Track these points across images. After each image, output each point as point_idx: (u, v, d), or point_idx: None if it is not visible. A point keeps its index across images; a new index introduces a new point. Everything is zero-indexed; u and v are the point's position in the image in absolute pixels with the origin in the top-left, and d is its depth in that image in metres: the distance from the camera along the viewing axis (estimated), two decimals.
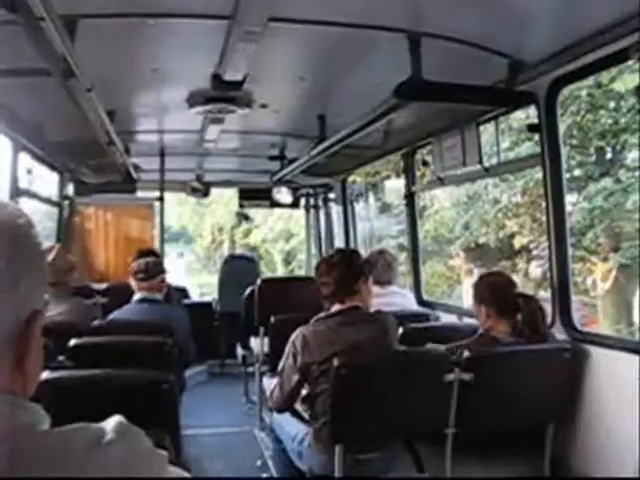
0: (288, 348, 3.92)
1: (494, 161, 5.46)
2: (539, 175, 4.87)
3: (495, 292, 4.13)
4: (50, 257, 4.91)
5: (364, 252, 6.43)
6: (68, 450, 1.04)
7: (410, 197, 6.91)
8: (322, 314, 4.04)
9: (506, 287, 4.18)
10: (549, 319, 4.29)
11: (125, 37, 3.95)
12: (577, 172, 14.91)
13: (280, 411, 4.23)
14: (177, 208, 33.09)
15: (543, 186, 4.34)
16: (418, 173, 7.27)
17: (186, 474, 1.28)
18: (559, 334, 4.18)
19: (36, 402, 1.10)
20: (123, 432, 1.11)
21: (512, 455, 3.87)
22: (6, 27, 3.11)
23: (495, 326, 4.07)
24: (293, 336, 3.91)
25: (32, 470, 0.99)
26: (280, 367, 4.01)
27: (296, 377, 3.87)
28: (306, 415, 4.11)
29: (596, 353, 3.89)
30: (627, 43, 3.31)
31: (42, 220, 8.94)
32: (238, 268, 9.85)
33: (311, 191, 10.29)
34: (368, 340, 3.86)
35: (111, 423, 1.12)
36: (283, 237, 28.20)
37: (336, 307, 4.01)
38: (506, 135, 13.79)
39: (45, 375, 3.12)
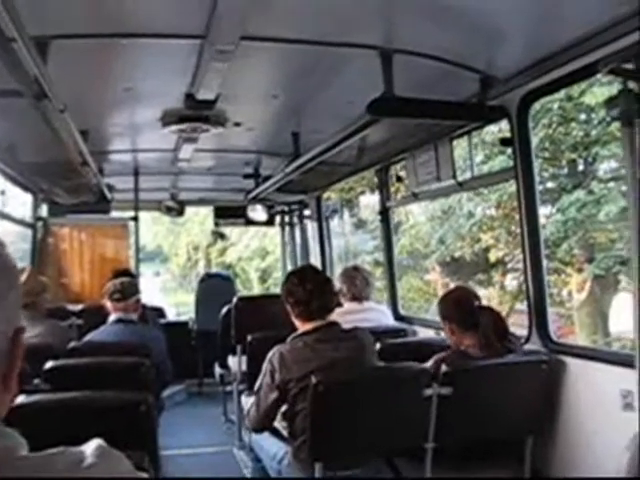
0: (265, 366, 3.90)
1: (468, 175, 5.49)
2: (513, 188, 4.90)
3: (456, 307, 4.14)
4: (22, 279, 4.87)
5: (340, 268, 6.44)
6: (47, 475, 1.03)
7: (385, 213, 6.93)
8: (299, 331, 4.02)
9: (467, 301, 4.17)
10: (525, 331, 4.31)
11: (97, 57, 3.94)
12: (550, 184, 15.05)
13: (257, 431, 4.20)
14: (152, 227, 32.98)
15: (517, 199, 4.37)
16: (392, 188, 7.30)
17: None
18: (535, 345, 4.20)
19: (11, 426, 1.09)
20: (103, 455, 1.10)
21: (492, 468, 3.87)
22: None
23: (460, 341, 4.07)
24: (270, 354, 3.88)
25: None
26: (257, 386, 3.98)
27: (273, 395, 3.84)
28: (285, 433, 4.09)
29: (573, 364, 3.91)
30: (596, 57, 3.34)
31: (15, 241, 8.87)
32: (214, 287, 9.82)
33: (286, 208, 10.28)
34: (346, 357, 3.85)
35: (91, 446, 1.12)
36: (259, 255, 28.17)
37: (311, 324, 3.99)
38: (479, 149, 13.87)
39: (21, 399, 3.09)
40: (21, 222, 7.59)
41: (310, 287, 4.00)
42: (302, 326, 4.01)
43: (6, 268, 1.14)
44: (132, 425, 3.14)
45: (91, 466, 1.07)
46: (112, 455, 1.13)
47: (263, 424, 4.04)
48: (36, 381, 3.90)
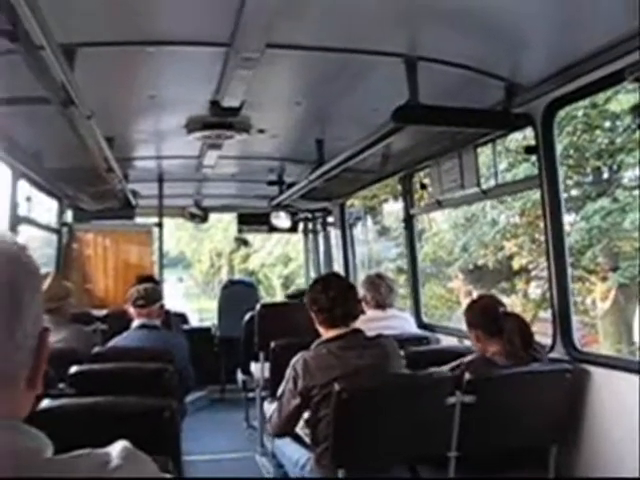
0: (288, 372, 3.89)
1: (492, 183, 5.47)
2: (537, 196, 4.87)
3: (482, 314, 4.13)
4: (46, 284, 4.90)
5: (363, 276, 6.43)
6: (73, 477, 1.04)
7: (409, 220, 6.91)
8: (323, 338, 4.02)
9: (493, 308, 4.16)
10: (549, 340, 4.29)
11: (123, 64, 3.97)
12: (574, 192, 14.97)
13: (278, 436, 4.21)
14: (175, 233, 33.08)
15: (541, 207, 4.35)
16: (416, 196, 7.29)
17: None
18: (559, 354, 4.18)
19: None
20: (129, 457, 1.11)
21: (515, 477, 3.85)
22: (6, 56, 3.13)
23: (486, 348, 4.05)
24: (294, 360, 3.88)
25: None
26: (280, 392, 3.98)
27: (296, 402, 3.83)
28: (308, 440, 4.08)
29: (597, 373, 3.88)
30: (623, 64, 3.33)
31: (41, 247, 8.93)
32: (237, 293, 9.84)
33: (309, 215, 10.28)
34: (369, 365, 3.83)
35: (117, 448, 1.12)
36: (281, 261, 28.18)
37: (335, 331, 3.98)
38: (503, 157, 13.83)
39: (46, 403, 3.12)
40: (46, 228, 7.63)
41: (333, 294, 4.00)
42: (326, 333, 4.01)
43: (31, 271, 1.16)
44: (156, 431, 3.15)
45: (117, 468, 1.07)
46: (138, 457, 1.14)
47: (284, 430, 4.05)
48: (61, 385, 3.93)
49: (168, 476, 1.21)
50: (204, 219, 10.10)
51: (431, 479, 3.94)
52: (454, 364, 3.98)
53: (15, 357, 1.09)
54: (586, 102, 12.38)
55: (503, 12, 3.25)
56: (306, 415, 3.96)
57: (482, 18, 3.32)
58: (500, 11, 3.25)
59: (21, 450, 1.03)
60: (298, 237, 11.85)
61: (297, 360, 3.86)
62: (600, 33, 3.35)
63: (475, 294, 16.72)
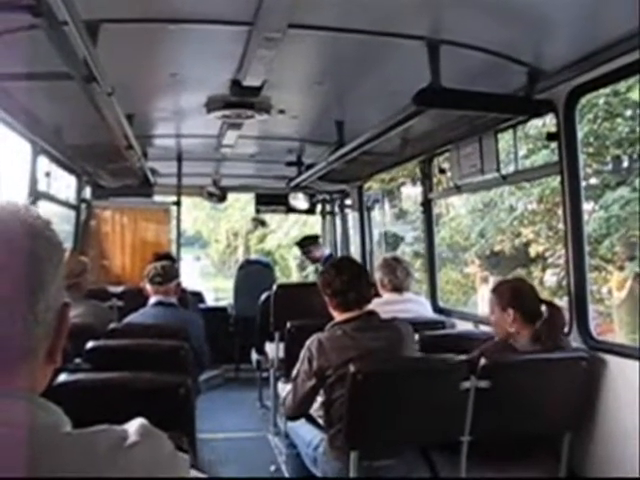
0: (303, 353, 3.91)
1: (511, 169, 5.45)
2: (555, 183, 4.85)
3: (522, 297, 4.08)
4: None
5: (380, 258, 6.43)
6: (91, 452, 1.04)
7: (427, 204, 6.89)
8: (338, 319, 4.03)
9: (532, 293, 4.16)
10: (566, 328, 4.28)
11: (145, 42, 3.97)
12: (593, 180, 14.86)
13: (292, 418, 4.21)
14: (192, 212, 33.11)
15: (561, 194, 4.33)
16: (434, 180, 7.27)
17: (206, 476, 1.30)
18: (575, 342, 4.17)
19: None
20: (146, 434, 1.12)
21: (528, 464, 3.85)
22: (28, 32, 3.14)
23: (519, 331, 4.01)
24: (308, 342, 3.90)
25: (55, 471, 1.00)
26: (294, 373, 3.99)
27: (311, 383, 3.85)
28: (321, 421, 4.10)
29: (613, 362, 3.87)
30: None
31: (59, 223, 8.96)
32: (254, 273, 9.85)
33: (327, 197, 10.30)
34: (383, 347, 3.85)
35: (134, 425, 1.14)
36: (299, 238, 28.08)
37: (349, 314, 4.00)
38: (522, 143, 13.76)
39: (62, 377, 3.14)
40: (65, 204, 7.66)
41: (347, 278, 4.02)
42: (340, 317, 4.03)
43: (54, 245, 1.17)
44: (171, 407, 3.18)
45: (134, 445, 1.08)
46: (155, 434, 1.15)
47: (299, 411, 4.06)
48: (77, 360, 3.96)
49: (185, 455, 1.22)
50: (222, 198, 10.12)
51: (443, 463, 3.95)
52: (476, 353, 3.95)
53: (35, 331, 1.10)
54: (607, 90, 12.28)
55: None
56: (320, 398, 3.97)
57: (506, 2, 3.30)
58: None
59: (40, 424, 1.05)
60: (315, 219, 11.87)
61: (312, 341, 3.88)
62: (625, 19, 3.31)
63: (491, 280, 16.69)
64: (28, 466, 0.98)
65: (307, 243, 9.98)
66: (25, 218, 1.14)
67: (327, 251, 10.03)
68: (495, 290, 4.25)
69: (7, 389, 1.07)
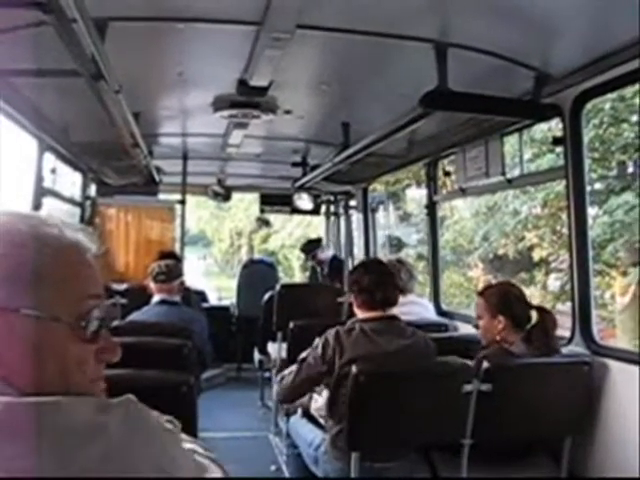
0: (317, 341, 3.93)
1: (517, 172, 5.44)
2: (560, 187, 4.84)
3: (512, 303, 4.05)
4: None
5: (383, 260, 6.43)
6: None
7: (431, 207, 6.89)
8: (359, 317, 4.05)
9: (521, 298, 4.14)
10: (566, 332, 4.28)
11: (153, 40, 3.98)
12: (598, 185, 14.85)
13: (283, 402, 4.29)
14: (196, 211, 33.16)
15: (566, 199, 4.32)
16: (438, 183, 7.26)
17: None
18: (577, 347, 4.17)
19: None
20: (126, 403, 1.20)
21: (529, 467, 3.86)
22: (37, 28, 3.15)
23: (509, 337, 4.00)
24: (327, 332, 3.93)
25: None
26: (302, 356, 4.00)
27: (319, 368, 3.86)
28: (322, 421, 4.10)
29: (616, 367, 3.87)
30: None
31: (63, 219, 8.94)
32: (257, 273, 9.87)
33: (332, 198, 10.31)
34: (398, 352, 3.86)
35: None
36: (302, 243, 28.11)
37: (373, 314, 4.01)
38: (528, 147, 13.76)
39: None
40: (70, 200, 7.66)
41: (376, 278, 4.05)
42: (362, 316, 4.04)
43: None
44: (173, 405, 3.14)
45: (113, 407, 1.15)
46: (137, 405, 1.22)
47: (293, 395, 4.11)
48: None
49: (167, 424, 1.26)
50: (227, 198, 10.14)
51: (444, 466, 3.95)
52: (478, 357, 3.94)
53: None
54: (614, 95, 12.28)
55: (536, 0, 3.23)
56: (323, 397, 3.98)
57: (515, 6, 3.30)
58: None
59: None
60: (319, 220, 11.88)
61: (330, 332, 3.91)
62: (633, 26, 3.30)
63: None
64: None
65: (312, 247, 10.02)
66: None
67: (330, 252, 10.05)
68: (483, 294, 4.21)
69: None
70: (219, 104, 5.19)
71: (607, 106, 13.60)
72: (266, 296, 7.31)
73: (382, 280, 4.06)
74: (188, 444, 1.41)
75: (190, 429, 3.15)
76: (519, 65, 4.09)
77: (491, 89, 4.13)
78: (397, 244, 19.99)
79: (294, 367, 4.06)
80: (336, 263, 9.71)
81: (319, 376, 3.90)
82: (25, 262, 1.18)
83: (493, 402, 3.68)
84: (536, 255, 17.17)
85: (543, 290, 17.44)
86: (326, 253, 9.83)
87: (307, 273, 10.14)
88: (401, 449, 3.86)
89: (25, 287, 1.17)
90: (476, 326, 4.20)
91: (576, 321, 4.23)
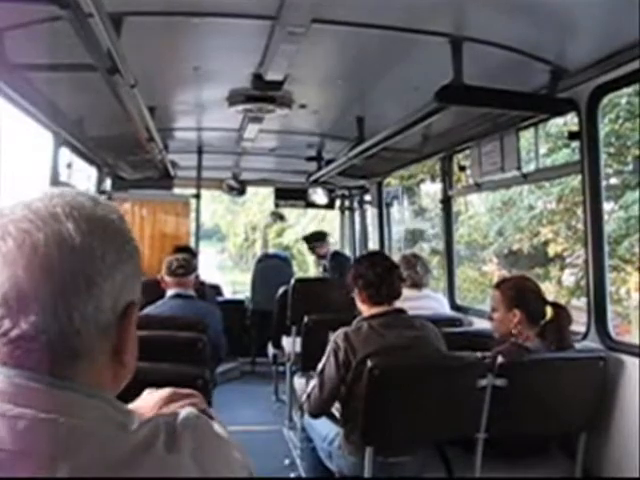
0: (329, 348, 3.88)
1: (532, 167, 5.42)
2: (575, 182, 4.83)
3: (528, 297, 4.03)
4: None
5: (398, 255, 6.43)
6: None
7: (447, 201, 6.87)
8: (365, 314, 4.02)
9: (537, 292, 4.12)
10: (581, 327, 4.26)
11: (168, 35, 3.98)
12: (614, 180, 14.79)
13: (316, 415, 4.13)
14: (211, 206, 33.20)
15: (582, 194, 4.30)
16: (454, 177, 7.25)
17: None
18: (592, 343, 4.16)
19: None
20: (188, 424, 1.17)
21: (543, 462, 3.85)
22: (52, 23, 3.16)
23: (524, 332, 3.97)
24: (334, 335, 3.88)
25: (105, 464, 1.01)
26: (320, 368, 3.94)
27: (337, 376, 3.82)
28: (338, 415, 4.10)
29: (631, 362, 3.85)
30: None
31: None
32: (272, 267, 9.88)
33: (347, 193, 10.31)
34: (409, 346, 3.83)
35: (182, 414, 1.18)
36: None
37: (378, 309, 3.99)
38: (543, 141, 13.70)
39: None
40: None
41: (380, 271, 4.02)
42: (368, 310, 4.01)
43: (120, 241, 1.16)
44: None
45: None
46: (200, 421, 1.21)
47: (325, 407, 4.00)
48: None
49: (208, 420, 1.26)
50: (242, 192, 10.15)
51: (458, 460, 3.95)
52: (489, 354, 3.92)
53: (85, 330, 1.08)
54: (630, 89, 12.22)
55: None
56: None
57: (530, 0, 3.29)
58: None
59: (96, 416, 1.07)
60: (333, 214, 11.88)
61: (337, 334, 3.86)
62: None
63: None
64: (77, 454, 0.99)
65: (313, 239, 10.01)
66: (105, 213, 1.15)
67: (333, 249, 10.03)
68: (499, 287, 4.17)
69: (66, 383, 1.07)
70: (234, 98, 5.20)
71: (623, 101, 13.53)
72: (280, 290, 7.31)
73: (387, 274, 4.03)
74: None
75: None
76: (535, 59, 4.08)
77: (506, 83, 4.12)
78: (411, 238, 19.97)
79: (315, 381, 3.98)
80: (338, 259, 9.67)
81: (339, 382, 3.84)
82: (134, 252, 1.20)
83: (508, 397, 3.67)
84: (551, 250, 17.12)
85: (558, 285, 17.39)
86: (327, 248, 9.81)
87: (320, 268, 10.13)
88: (415, 444, 3.85)
89: (138, 276, 1.21)
90: (490, 318, 4.17)
91: (591, 316, 4.22)
